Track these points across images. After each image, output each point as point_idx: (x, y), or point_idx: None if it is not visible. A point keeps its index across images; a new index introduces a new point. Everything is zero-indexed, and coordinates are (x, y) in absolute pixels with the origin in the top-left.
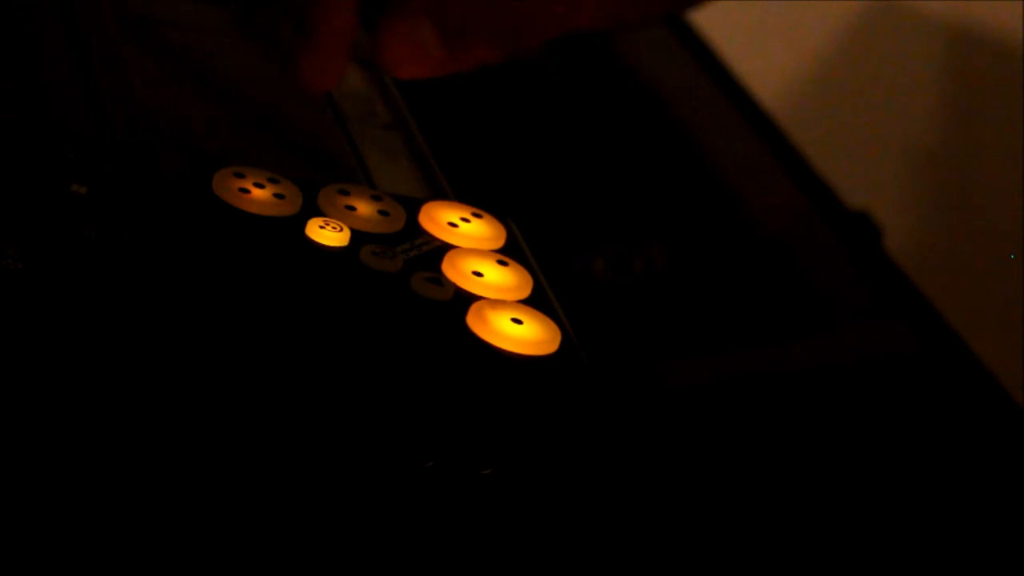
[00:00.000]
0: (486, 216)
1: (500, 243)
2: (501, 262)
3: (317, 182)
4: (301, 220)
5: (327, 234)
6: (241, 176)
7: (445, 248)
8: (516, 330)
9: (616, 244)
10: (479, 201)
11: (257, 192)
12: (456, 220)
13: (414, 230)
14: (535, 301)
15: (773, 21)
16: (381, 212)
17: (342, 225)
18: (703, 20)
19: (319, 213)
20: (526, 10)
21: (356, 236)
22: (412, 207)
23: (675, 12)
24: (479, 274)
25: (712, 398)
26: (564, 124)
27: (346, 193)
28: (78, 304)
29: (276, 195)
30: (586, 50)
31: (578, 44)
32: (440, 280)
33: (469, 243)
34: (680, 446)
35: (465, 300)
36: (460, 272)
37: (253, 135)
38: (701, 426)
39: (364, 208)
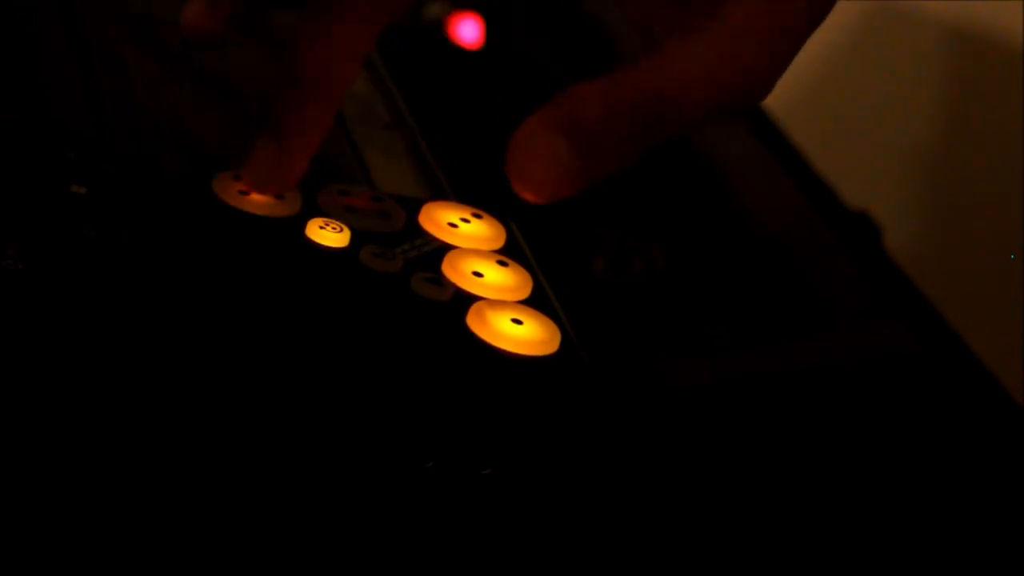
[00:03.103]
0: (486, 216)
1: (500, 243)
2: (501, 262)
3: (317, 182)
4: (301, 220)
5: (327, 234)
6: (241, 177)
7: (445, 248)
8: (516, 330)
9: (616, 244)
10: (479, 201)
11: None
12: (456, 220)
13: (414, 230)
14: (535, 301)
15: None
16: (381, 212)
17: (342, 225)
18: None
19: (319, 213)
20: (667, 98)
21: (356, 236)
22: (412, 207)
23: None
24: (479, 274)
25: (712, 398)
26: None
27: (346, 193)
28: (78, 304)
29: (276, 195)
30: (587, 51)
31: (578, 44)
32: (440, 280)
33: (469, 243)
34: (680, 446)
35: (465, 300)
36: (460, 272)
37: (253, 135)
38: (701, 426)
39: (364, 208)
